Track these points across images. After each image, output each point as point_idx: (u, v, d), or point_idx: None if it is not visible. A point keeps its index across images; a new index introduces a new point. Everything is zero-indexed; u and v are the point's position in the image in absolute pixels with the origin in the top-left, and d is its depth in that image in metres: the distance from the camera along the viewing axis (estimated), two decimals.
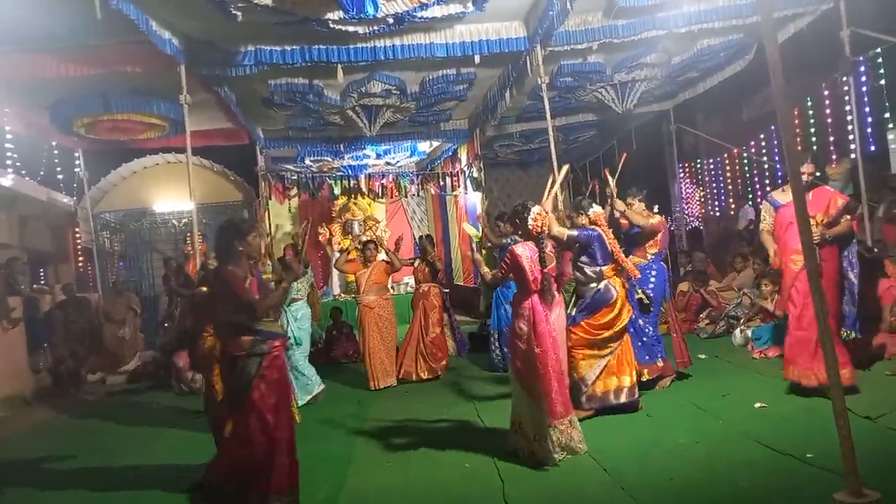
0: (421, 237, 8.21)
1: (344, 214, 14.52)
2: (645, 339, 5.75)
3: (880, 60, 9.41)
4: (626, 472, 3.90)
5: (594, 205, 5.40)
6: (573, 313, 5.19)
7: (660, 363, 5.81)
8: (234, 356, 3.68)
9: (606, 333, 5.08)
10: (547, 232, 4.48)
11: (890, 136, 9.46)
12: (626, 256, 5.40)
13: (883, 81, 9.54)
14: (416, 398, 6.56)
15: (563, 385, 4.37)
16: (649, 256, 6.08)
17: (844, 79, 8.09)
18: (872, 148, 9.97)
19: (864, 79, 9.67)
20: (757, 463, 3.84)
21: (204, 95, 7.91)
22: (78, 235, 13.36)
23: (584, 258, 5.20)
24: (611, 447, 4.35)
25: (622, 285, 5.19)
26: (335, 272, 12.97)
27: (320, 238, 14.62)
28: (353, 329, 9.86)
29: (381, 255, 7.68)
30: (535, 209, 4.45)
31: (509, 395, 5.70)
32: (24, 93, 7.83)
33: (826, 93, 10.92)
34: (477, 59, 7.47)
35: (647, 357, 5.73)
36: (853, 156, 8.65)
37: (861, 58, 9.10)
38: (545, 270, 4.33)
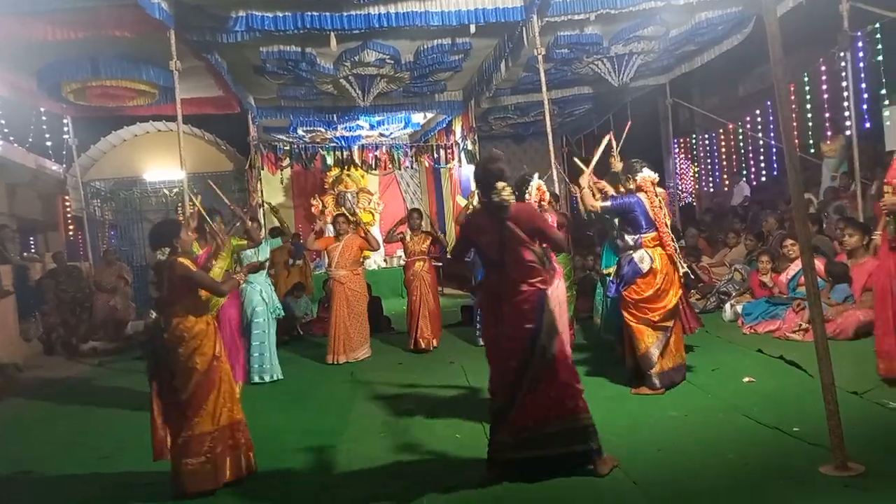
0: (411, 211, 8.12)
1: (337, 186, 14.44)
2: None
3: (879, 36, 9.35)
4: (614, 442, 3.93)
5: (645, 169, 5.11)
6: (614, 281, 5.02)
7: None
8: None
9: (656, 316, 4.92)
10: (545, 204, 4.40)
11: (885, 113, 9.43)
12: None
13: (881, 57, 9.49)
14: (409, 370, 6.59)
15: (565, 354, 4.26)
16: None
17: (842, 54, 8.03)
18: (868, 125, 9.95)
19: (861, 54, 9.62)
20: (744, 436, 3.89)
21: (194, 62, 7.79)
22: (68, 204, 13.24)
23: (626, 226, 5.04)
24: (600, 419, 4.32)
25: (663, 257, 4.98)
26: None
27: (313, 209, 14.56)
28: None
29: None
30: (535, 182, 4.40)
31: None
32: (12, 57, 7.68)
33: (823, 68, 10.88)
34: (472, 28, 7.37)
35: None
36: (848, 132, 8.63)
37: (859, 33, 9.04)
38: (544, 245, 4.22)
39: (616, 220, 5.30)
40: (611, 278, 5.11)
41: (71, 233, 13.54)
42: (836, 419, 3.24)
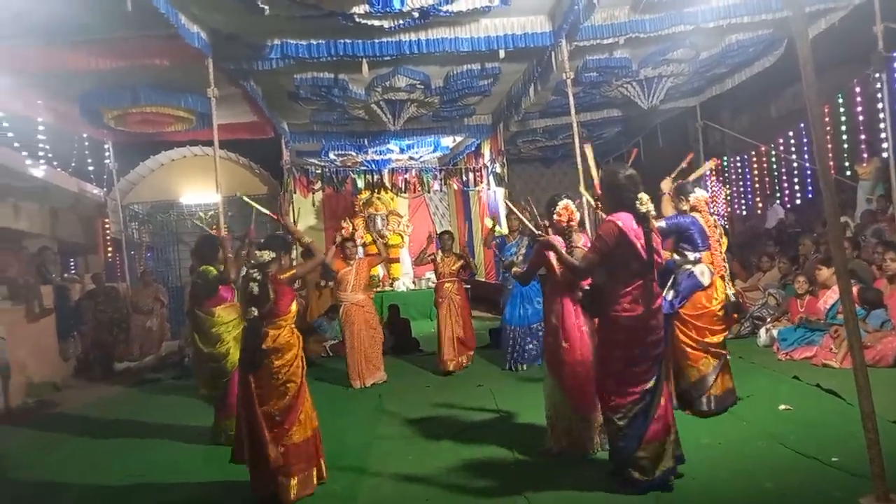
0: (442, 233, 8.17)
1: (367, 209, 14.57)
2: None
3: None
4: None
5: (697, 189, 5.15)
6: (667, 297, 4.94)
7: None
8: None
9: (715, 339, 4.87)
10: (574, 225, 4.37)
11: None
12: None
13: None
14: (437, 392, 6.58)
15: (590, 382, 4.16)
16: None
17: (877, 75, 7.91)
18: None
19: None
20: (780, 464, 3.79)
21: (231, 89, 7.99)
22: (107, 226, 13.61)
23: (683, 244, 5.00)
24: None
25: (722, 279, 4.94)
26: None
27: (343, 232, 14.71)
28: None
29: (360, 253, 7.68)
30: (562, 203, 4.39)
31: (529, 389, 5.73)
32: (55, 85, 7.98)
33: (858, 89, 10.71)
34: (502, 53, 7.43)
35: None
36: (885, 154, 8.46)
37: (894, 54, 8.89)
38: None
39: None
40: (664, 296, 5.03)
41: (109, 255, 13.90)
42: (877, 449, 3.14)
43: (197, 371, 5.47)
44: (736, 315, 5.05)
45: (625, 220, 3.54)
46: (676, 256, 5.03)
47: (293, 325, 4.06)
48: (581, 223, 5.29)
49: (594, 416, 4.15)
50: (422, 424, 5.37)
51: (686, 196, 5.09)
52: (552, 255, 4.20)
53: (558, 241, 4.19)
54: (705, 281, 4.86)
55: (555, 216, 4.36)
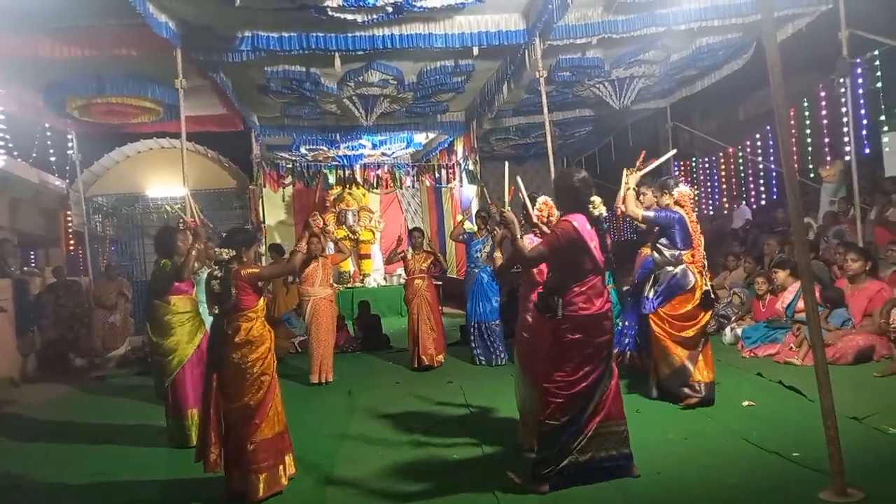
0: (412, 230, 8.17)
1: (338, 204, 14.47)
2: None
3: (878, 63, 9.44)
4: None
5: (681, 185, 5.18)
6: (649, 296, 5.01)
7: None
8: None
9: (690, 332, 4.95)
10: (554, 221, 4.31)
11: (885, 139, 9.50)
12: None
13: (880, 84, 9.58)
14: (407, 388, 6.57)
15: None
16: None
17: (841, 80, 8.10)
18: (867, 150, 10.02)
19: (860, 81, 9.70)
20: (744, 460, 3.87)
21: (199, 81, 7.85)
22: (69, 219, 13.27)
23: (663, 240, 5.02)
24: None
25: (700, 274, 5.00)
26: None
27: (313, 227, 14.57)
28: (344, 319, 9.88)
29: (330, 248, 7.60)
30: (541, 199, 4.43)
31: (498, 385, 5.75)
32: (18, 73, 7.75)
33: (823, 94, 10.96)
34: (475, 51, 7.43)
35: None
36: (847, 158, 8.68)
37: (858, 59, 9.13)
38: None
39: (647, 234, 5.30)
40: (645, 294, 5.08)
41: (72, 248, 13.56)
42: (836, 445, 3.22)
43: (151, 365, 5.40)
44: (709, 310, 5.11)
45: (579, 220, 3.64)
46: (656, 255, 5.07)
47: (264, 319, 4.01)
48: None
49: None
50: (392, 420, 5.35)
51: (669, 190, 5.10)
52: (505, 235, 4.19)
53: (534, 238, 4.20)
54: (689, 282, 4.93)
55: (535, 212, 4.32)
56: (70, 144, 11.20)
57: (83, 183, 12.19)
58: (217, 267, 3.91)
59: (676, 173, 14.80)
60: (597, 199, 3.68)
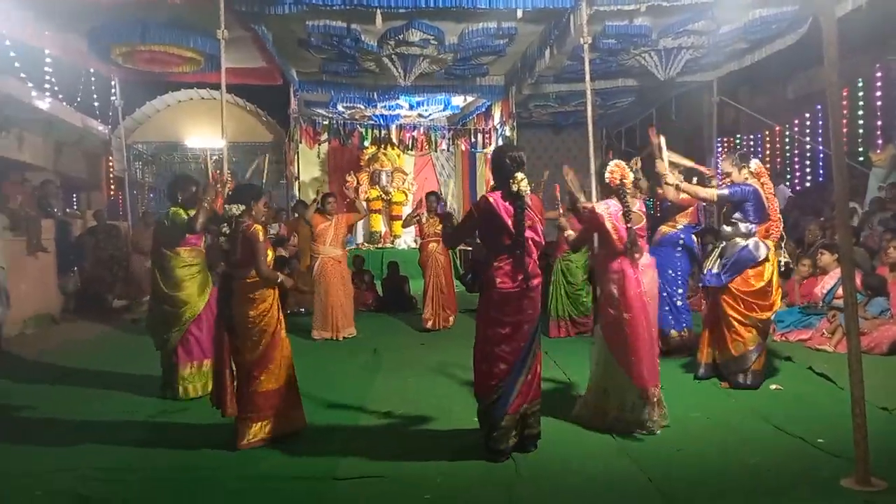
0: (428, 194, 8.22)
1: (372, 164, 14.47)
2: (672, 306, 5.81)
3: None
4: (632, 439, 3.93)
5: (754, 158, 5.10)
6: (714, 270, 4.88)
7: (685, 333, 5.87)
8: None
9: (765, 315, 4.84)
10: (628, 185, 4.17)
11: None
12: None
13: None
14: (430, 350, 6.66)
15: (653, 354, 4.13)
16: (679, 226, 6.00)
17: None
18: None
19: None
20: (767, 442, 3.84)
21: (241, 32, 7.85)
22: (111, 164, 13.55)
23: (737, 214, 4.88)
24: None
25: (777, 248, 4.91)
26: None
27: (347, 185, 14.64)
28: (374, 278, 9.98)
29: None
30: (612, 163, 4.23)
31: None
32: (64, 17, 7.83)
33: (879, 75, 10.52)
34: (520, 13, 7.29)
35: (674, 324, 5.85)
36: None
37: None
38: (631, 227, 4.06)
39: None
40: (709, 268, 5.01)
41: (112, 193, 13.86)
42: (863, 433, 3.18)
43: (150, 313, 5.23)
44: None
45: (497, 196, 3.68)
46: (727, 228, 4.96)
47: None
48: (638, 187, 5.19)
49: (652, 391, 4.04)
50: (415, 379, 5.43)
51: (747, 163, 4.99)
52: (605, 218, 4.10)
53: (613, 203, 4.15)
54: (760, 255, 4.77)
55: (606, 176, 4.20)
56: (113, 91, 11.36)
57: (125, 129, 12.41)
58: (225, 223, 3.99)
59: (719, 150, 14.46)
60: (518, 176, 3.61)
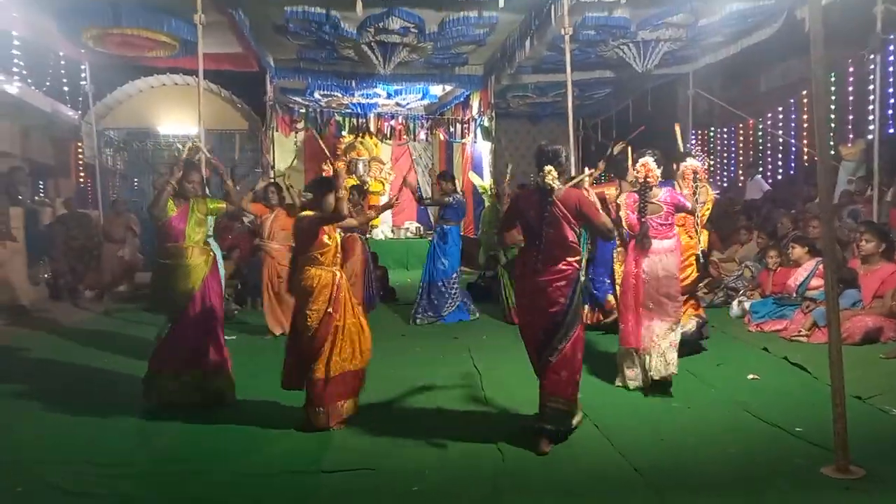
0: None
1: (349, 153, 14.34)
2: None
3: None
4: (616, 429, 3.97)
5: (691, 158, 5.64)
6: None
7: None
8: None
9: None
10: (652, 183, 4.56)
11: None
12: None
13: None
14: (412, 342, 6.66)
15: (638, 322, 4.65)
16: None
17: (872, 56, 7.90)
18: (891, 130, 9.84)
19: (892, 58, 9.47)
20: (747, 432, 3.92)
21: (217, 17, 7.68)
22: (80, 150, 13.21)
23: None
24: (603, 405, 4.42)
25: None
26: None
27: (324, 175, 14.50)
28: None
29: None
30: (643, 159, 4.60)
31: (503, 343, 5.85)
32: None
33: (851, 69, 10.72)
34: (501, 2, 7.26)
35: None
36: (870, 136, 8.53)
37: (892, 36, 8.89)
38: (643, 219, 4.58)
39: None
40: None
41: (82, 180, 13.54)
42: (843, 422, 3.25)
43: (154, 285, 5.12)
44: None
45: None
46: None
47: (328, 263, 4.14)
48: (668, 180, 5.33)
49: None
50: (397, 372, 5.41)
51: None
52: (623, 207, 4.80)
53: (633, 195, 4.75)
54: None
55: (634, 171, 4.67)
56: (83, 75, 11.06)
57: (95, 115, 12.09)
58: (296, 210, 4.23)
59: (693, 142, 14.62)
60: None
